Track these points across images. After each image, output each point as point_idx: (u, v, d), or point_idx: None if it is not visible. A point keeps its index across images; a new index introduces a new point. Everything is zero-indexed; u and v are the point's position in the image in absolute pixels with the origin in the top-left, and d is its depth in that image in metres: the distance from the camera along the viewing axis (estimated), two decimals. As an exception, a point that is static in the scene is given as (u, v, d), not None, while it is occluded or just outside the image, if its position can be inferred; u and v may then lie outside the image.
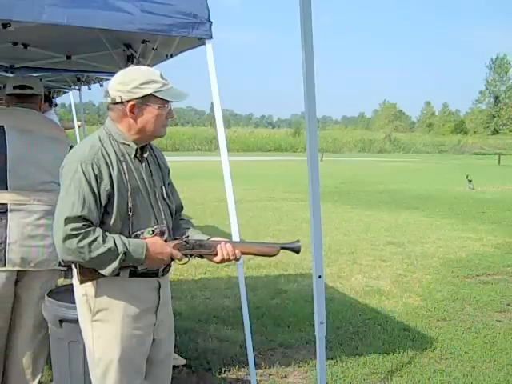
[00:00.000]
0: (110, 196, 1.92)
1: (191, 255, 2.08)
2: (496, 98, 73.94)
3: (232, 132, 53.08)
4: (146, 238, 1.97)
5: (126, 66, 4.55)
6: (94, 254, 1.84)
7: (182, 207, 2.32)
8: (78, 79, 6.61)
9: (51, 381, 3.05)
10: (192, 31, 3.00)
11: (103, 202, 1.91)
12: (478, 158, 41.15)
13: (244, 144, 48.60)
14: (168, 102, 2.00)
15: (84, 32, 3.16)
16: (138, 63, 4.41)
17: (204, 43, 3.08)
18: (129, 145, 2.01)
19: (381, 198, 14.33)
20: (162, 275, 2.10)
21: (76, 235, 1.83)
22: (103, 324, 2.01)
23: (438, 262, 6.95)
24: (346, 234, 8.84)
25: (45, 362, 2.96)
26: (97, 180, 1.89)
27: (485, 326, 4.60)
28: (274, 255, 2.11)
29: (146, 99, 1.95)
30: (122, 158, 1.98)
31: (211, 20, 3.05)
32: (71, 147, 2.54)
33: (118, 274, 1.95)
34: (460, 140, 59.85)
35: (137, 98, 1.95)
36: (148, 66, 4.38)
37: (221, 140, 3.08)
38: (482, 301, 5.28)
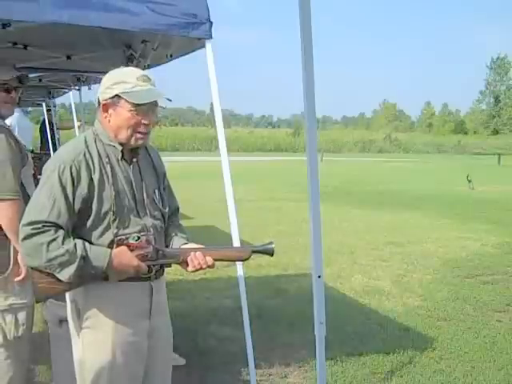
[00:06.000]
0: (87, 200, 1.85)
1: (159, 265, 2.00)
2: (496, 98, 73.94)
3: (232, 132, 53.17)
4: (129, 245, 1.89)
5: (126, 66, 4.55)
6: (52, 254, 1.77)
7: (179, 209, 2.24)
8: (78, 79, 6.62)
9: (51, 381, 3.05)
10: (192, 31, 2.98)
11: (77, 206, 1.84)
12: (477, 158, 41.12)
13: (244, 144, 48.64)
14: (140, 105, 1.88)
15: (84, 32, 3.16)
16: (138, 63, 4.41)
17: (204, 43, 3.07)
18: (114, 146, 1.94)
19: (381, 198, 14.32)
20: (155, 278, 2.01)
21: (36, 233, 1.78)
22: (94, 331, 1.93)
23: (438, 262, 6.95)
24: (346, 234, 8.83)
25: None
26: (73, 184, 1.83)
27: (485, 325, 4.59)
28: (247, 259, 2.06)
29: (116, 100, 1.90)
30: (106, 160, 1.90)
31: (211, 20, 3.05)
32: None
33: (106, 278, 1.88)
34: (460, 140, 59.84)
35: (107, 99, 1.91)
36: (148, 66, 4.39)
37: (221, 140, 3.07)
38: (482, 301, 5.28)
